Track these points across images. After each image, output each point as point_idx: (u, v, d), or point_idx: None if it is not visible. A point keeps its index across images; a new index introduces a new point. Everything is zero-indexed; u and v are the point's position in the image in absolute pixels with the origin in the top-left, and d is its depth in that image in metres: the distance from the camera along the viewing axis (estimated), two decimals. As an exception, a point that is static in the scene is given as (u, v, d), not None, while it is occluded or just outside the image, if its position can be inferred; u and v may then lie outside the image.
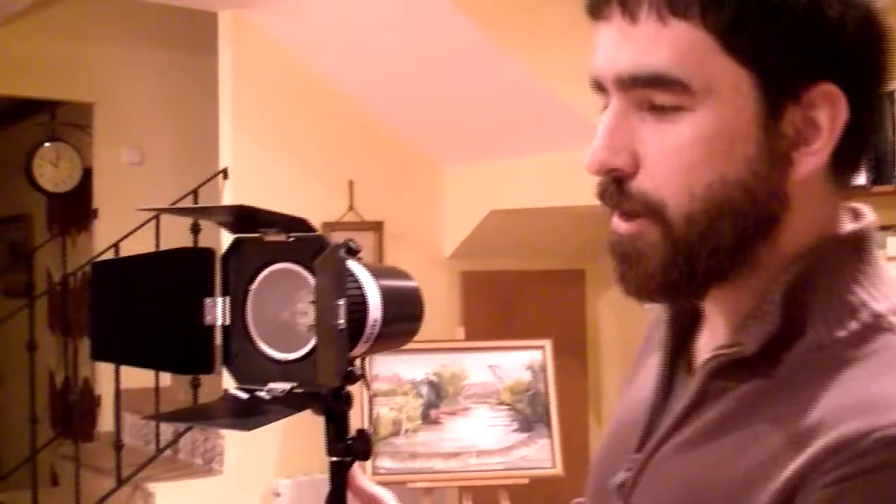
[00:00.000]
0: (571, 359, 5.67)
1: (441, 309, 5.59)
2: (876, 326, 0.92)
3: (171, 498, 5.10)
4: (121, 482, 5.11)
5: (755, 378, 0.94)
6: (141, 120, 6.87)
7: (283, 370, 1.14)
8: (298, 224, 1.11)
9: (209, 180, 5.18)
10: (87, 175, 7.00)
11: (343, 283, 1.07)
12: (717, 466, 0.92)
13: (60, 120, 7.22)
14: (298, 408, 1.12)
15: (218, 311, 1.15)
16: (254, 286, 1.15)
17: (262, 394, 1.13)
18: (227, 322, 1.16)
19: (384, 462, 4.60)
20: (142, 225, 4.94)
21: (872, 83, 0.95)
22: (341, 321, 1.05)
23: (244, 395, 1.14)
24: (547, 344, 4.84)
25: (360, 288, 1.11)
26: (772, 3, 0.89)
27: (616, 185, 0.96)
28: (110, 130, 6.83)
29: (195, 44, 6.08)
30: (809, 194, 0.95)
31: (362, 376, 1.16)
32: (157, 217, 4.96)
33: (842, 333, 0.92)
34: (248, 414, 1.14)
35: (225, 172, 5.12)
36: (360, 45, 5.00)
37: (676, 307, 1.08)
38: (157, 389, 5.17)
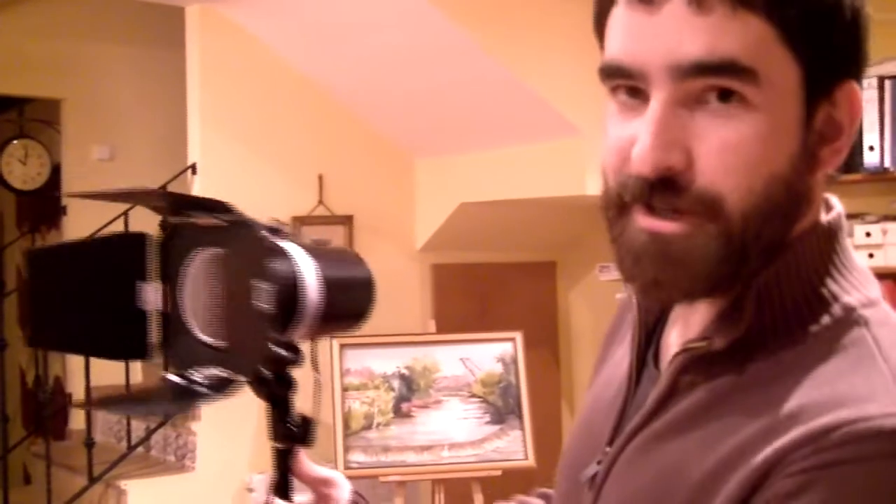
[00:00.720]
0: (543, 350, 5.69)
1: (412, 302, 5.60)
2: (847, 320, 0.92)
3: (144, 495, 5.08)
4: (93, 480, 5.08)
5: (726, 373, 0.94)
6: (111, 116, 6.82)
7: (217, 355, 1.13)
8: (220, 207, 1.10)
9: (177, 176, 5.16)
10: (57, 172, 6.96)
11: (264, 264, 1.05)
12: (686, 458, 0.92)
13: (29, 116, 7.18)
14: (233, 392, 1.11)
15: (152, 296, 1.15)
16: (187, 271, 1.15)
17: (197, 378, 1.12)
18: (162, 307, 1.15)
19: (356, 456, 4.59)
20: (110, 221, 4.91)
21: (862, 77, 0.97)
22: (264, 304, 1.04)
23: (180, 381, 1.13)
24: (518, 336, 4.84)
25: (293, 269, 1.09)
26: (831, 2, 0.90)
27: (663, 183, 0.91)
28: (80, 127, 6.79)
29: (164, 39, 6.05)
30: (817, 191, 0.96)
31: (313, 361, 1.17)
32: (125, 213, 4.94)
33: (814, 328, 0.92)
34: (182, 399, 1.14)
35: (194, 168, 5.10)
36: (329, 38, 4.99)
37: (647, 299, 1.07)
38: (127, 386, 5.15)
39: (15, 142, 7.00)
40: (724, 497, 0.87)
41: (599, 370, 1.22)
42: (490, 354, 4.81)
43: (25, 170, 6.98)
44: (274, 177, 5.25)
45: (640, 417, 1.01)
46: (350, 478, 1.33)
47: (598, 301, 5.77)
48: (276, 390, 1.15)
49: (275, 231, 1.10)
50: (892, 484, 0.81)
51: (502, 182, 5.17)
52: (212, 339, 1.14)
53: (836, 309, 0.93)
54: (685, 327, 1.03)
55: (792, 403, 0.87)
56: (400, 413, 4.70)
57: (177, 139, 5.50)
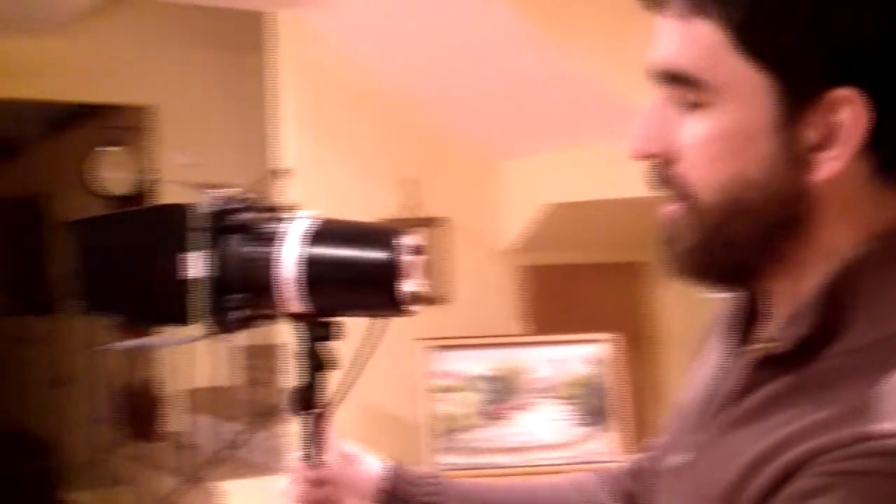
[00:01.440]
0: (634, 351, 5.64)
1: (500, 304, 5.60)
2: None
3: (238, 496, 5.14)
4: (186, 481, 5.16)
5: (792, 372, 0.96)
6: (198, 122, 6.92)
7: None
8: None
9: (265, 179, 5.21)
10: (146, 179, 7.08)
11: (184, 239, 1.22)
12: (743, 448, 0.96)
13: (119, 124, 7.30)
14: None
15: (192, 265, 1.24)
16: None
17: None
18: (201, 275, 1.24)
19: (447, 458, 4.61)
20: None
21: None
22: (183, 272, 1.21)
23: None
24: (609, 337, 4.83)
25: (268, 250, 1.24)
26: (785, 4, 0.91)
27: (657, 171, 1.03)
28: (168, 133, 6.89)
29: (247, 44, 6.11)
30: (847, 195, 0.96)
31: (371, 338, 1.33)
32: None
33: (879, 337, 0.92)
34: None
35: (282, 172, 5.14)
36: (412, 42, 5.01)
37: (740, 296, 1.12)
38: (217, 388, 5.21)
39: (106, 149, 7.12)
40: (757, 485, 0.92)
41: (697, 361, 1.25)
42: (580, 356, 4.80)
43: (116, 177, 7.10)
44: (361, 181, 5.27)
45: (717, 408, 1.05)
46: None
47: (689, 301, 5.71)
48: (306, 359, 1.31)
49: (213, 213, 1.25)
50: None
51: (589, 182, 5.15)
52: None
53: None
54: (769, 324, 1.07)
55: (838, 407, 0.89)
56: (489, 415, 4.71)
57: (260, 143, 5.55)
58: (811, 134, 0.93)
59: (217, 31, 6.56)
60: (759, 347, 1.02)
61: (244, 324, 1.26)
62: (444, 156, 5.55)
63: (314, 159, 5.19)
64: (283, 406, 5.15)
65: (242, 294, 1.24)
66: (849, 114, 0.92)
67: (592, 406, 4.72)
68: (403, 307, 1.25)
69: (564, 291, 5.66)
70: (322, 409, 1.35)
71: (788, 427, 0.92)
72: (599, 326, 4.92)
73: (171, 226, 1.24)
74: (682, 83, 0.97)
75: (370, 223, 1.29)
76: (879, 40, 0.91)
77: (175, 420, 5.53)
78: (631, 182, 4.93)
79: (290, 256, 1.23)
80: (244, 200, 1.27)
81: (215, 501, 5.22)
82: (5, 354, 7.99)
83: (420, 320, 5.47)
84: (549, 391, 4.74)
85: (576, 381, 4.76)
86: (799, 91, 0.92)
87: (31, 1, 5.51)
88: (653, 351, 6.01)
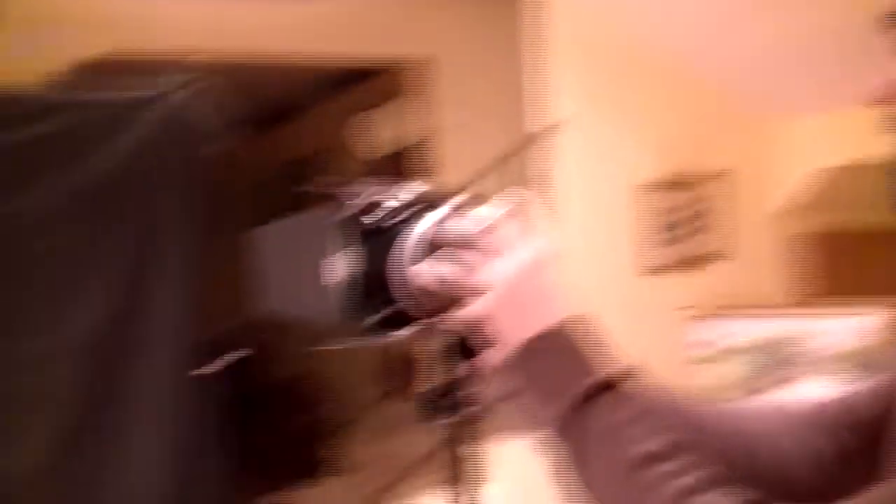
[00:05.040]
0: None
1: (770, 271, 5.48)
2: None
3: (502, 456, 5.16)
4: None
5: None
6: (464, 82, 6.92)
7: None
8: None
9: (534, 140, 5.18)
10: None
11: (329, 243, 1.25)
12: None
13: (382, 86, 7.39)
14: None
15: (334, 268, 1.26)
16: None
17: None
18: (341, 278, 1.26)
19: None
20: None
21: None
22: (327, 276, 1.25)
23: None
24: (883, 308, 4.61)
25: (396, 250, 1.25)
26: None
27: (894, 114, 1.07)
28: (435, 93, 6.94)
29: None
30: None
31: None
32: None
33: None
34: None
35: (548, 131, 5.08)
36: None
37: None
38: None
39: (371, 111, 7.22)
40: None
41: None
42: (852, 328, 4.59)
43: (379, 138, 7.20)
44: (631, 140, 5.22)
45: None
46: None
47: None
48: (446, 361, 1.32)
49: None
50: None
51: (867, 142, 4.90)
52: None
53: None
54: None
55: None
56: (754, 388, 4.57)
57: (523, 104, 5.51)
58: None
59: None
60: None
61: (390, 325, 1.26)
62: (711, 114, 5.44)
63: (584, 118, 5.14)
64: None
65: (381, 295, 1.24)
66: None
67: (864, 381, 4.50)
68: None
69: (839, 259, 5.45)
70: (468, 417, 1.29)
71: None
72: (874, 297, 4.68)
73: (320, 231, 1.27)
74: None
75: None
76: None
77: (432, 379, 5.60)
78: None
79: (405, 258, 1.24)
80: (381, 204, 1.27)
81: (477, 460, 5.24)
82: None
83: (685, 286, 5.31)
84: (819, 364, 4.54)
85: (846, 355, 4.54)
86: None
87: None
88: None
